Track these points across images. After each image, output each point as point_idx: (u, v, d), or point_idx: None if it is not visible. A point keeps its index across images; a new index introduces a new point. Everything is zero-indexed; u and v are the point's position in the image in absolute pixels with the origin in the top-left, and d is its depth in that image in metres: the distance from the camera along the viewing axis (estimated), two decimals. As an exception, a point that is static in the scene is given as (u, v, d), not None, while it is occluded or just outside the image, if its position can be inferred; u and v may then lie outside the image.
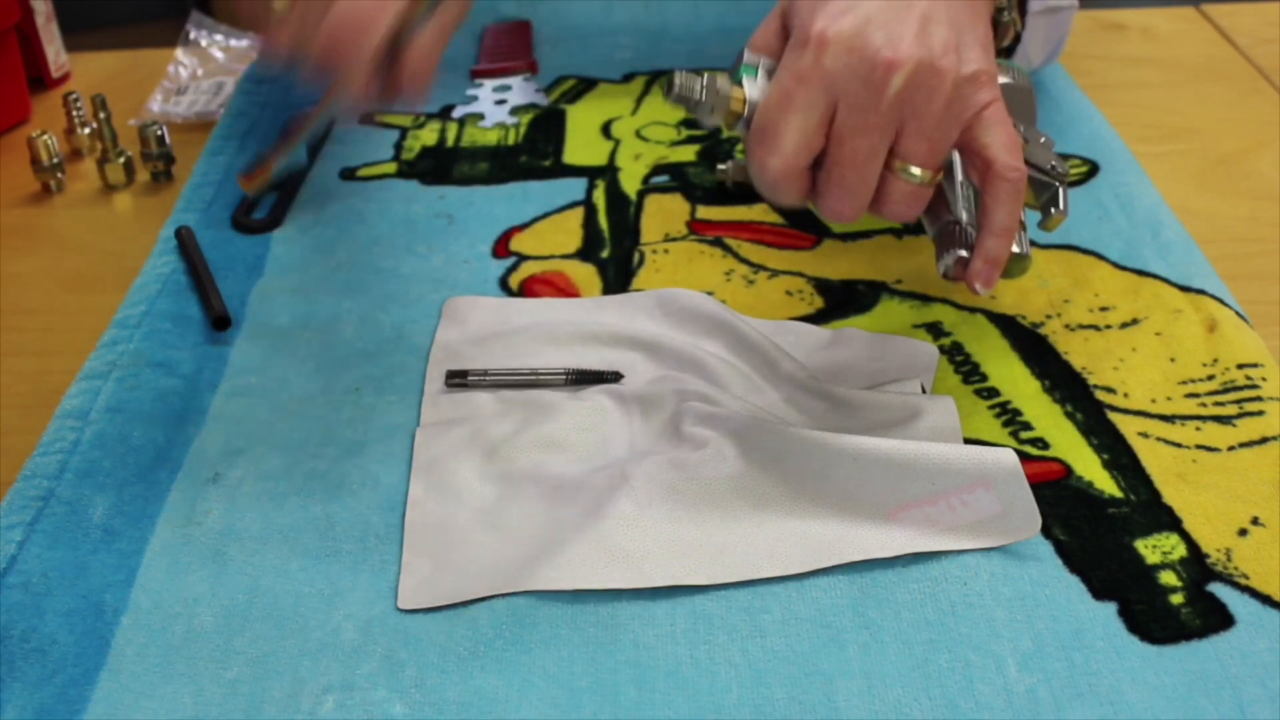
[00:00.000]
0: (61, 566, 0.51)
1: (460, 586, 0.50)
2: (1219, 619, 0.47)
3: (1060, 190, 0.59)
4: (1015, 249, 0.56)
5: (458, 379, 0.59)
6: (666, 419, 0.57)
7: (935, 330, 0.63)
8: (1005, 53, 0.67)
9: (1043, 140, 0.60)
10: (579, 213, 0.74)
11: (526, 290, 0.67)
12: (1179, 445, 0.55)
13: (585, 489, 0.53)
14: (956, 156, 0.57)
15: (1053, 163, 0.59)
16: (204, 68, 0.95)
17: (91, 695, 0.46)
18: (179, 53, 0.98)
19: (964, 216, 0.56)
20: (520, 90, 0.87)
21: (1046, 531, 0.51)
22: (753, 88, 0.54)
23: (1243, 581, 0.49)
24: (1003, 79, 0.55)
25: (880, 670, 0.46)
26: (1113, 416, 0.57)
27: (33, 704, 0.46)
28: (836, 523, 0.51)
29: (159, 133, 0.81)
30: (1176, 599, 0.48)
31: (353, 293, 0.67)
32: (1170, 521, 0.52)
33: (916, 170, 0.53)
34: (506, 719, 0.45)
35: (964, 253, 0.55)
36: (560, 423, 0.57)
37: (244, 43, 0.99)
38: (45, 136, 0.79)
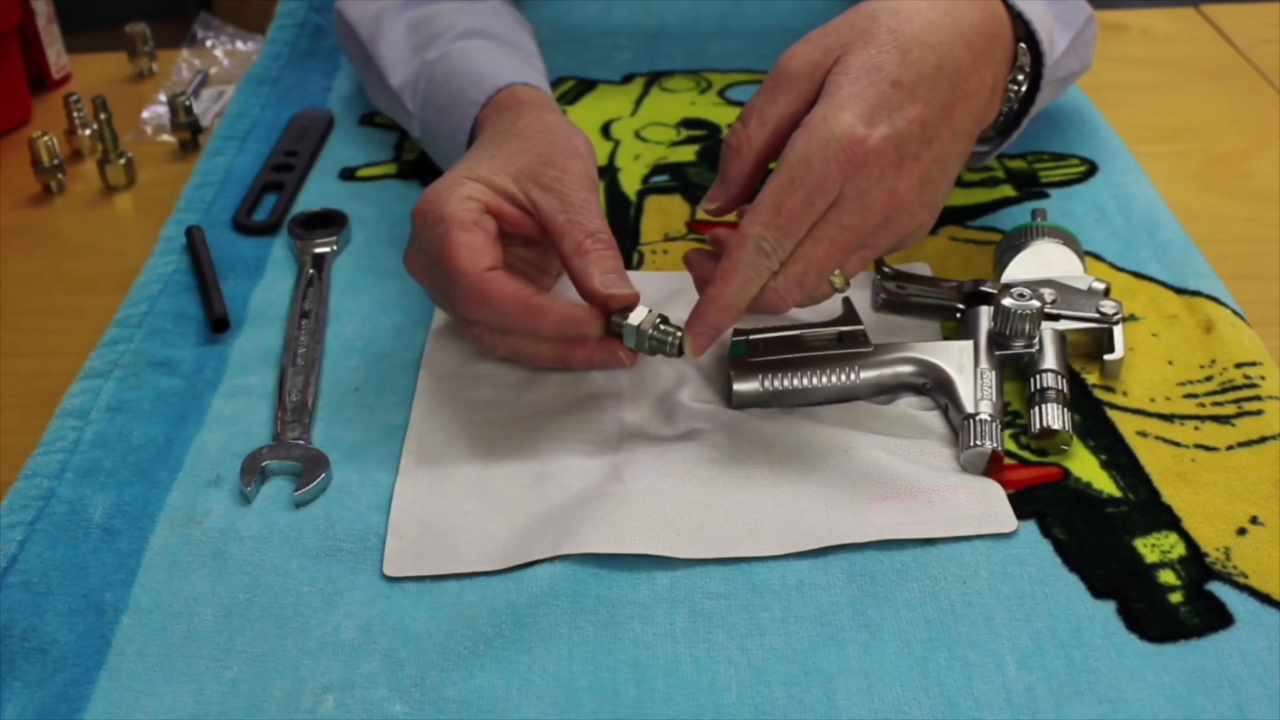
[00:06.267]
0: (62, 566, 0.51)
1: (446, 557, 0.51)
2: (1218, 618, 0.47)
3: (1113, 332, 0.58)
4: (1055, 424, 0.54)
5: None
6: (657, 401, 0.58)
7: (934, 330, 0.63)
8: (1012, 120, 0.65)
9: (1089, 288, 0.59)
10: (579, 213, 0.73)
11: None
12: (1178, 444, 0.55)
13: (572, 464, 0.55)
14: (970, 352, 0.57)
15: (1101, 307, 0.59)
16: (209, 69, 0.95)
17: (92, 694, 0.46)
18: (184, 53, 0.98)
19: (986, 409, 0.54)
20: None
21: (1045, 530, 0.51)
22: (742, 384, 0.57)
23: (1241, 580, 0.49)
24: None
25: (880, 669, 0.46)
26: (1112, 415, 0.57)
27: (33, 703, 0.46)
28: (817, 509, 0.52)
29: (187, 103, 0.83)
30: (1175, 598, 0.48)
31: (353, 293, 0.67)
32: (1169, 520, 0.52)
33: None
34: (506, 718, 0.45)
35: (987, 445, 0.53)
36: (548, 396, 0.59)
37: (250, 45, 0.99)
38: (46, 138, 0.79)
